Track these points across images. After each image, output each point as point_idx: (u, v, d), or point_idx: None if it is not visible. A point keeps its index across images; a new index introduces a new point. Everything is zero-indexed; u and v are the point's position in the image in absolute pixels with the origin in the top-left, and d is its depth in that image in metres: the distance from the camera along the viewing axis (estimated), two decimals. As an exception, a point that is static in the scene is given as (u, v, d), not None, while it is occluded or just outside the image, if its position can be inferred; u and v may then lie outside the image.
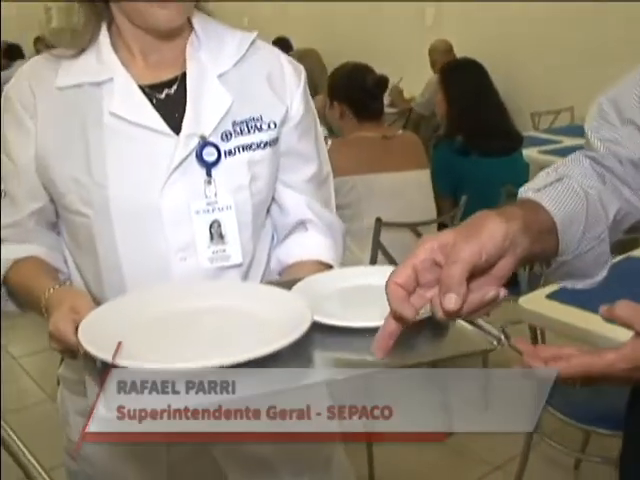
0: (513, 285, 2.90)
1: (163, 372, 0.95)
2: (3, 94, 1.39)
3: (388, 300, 0.87)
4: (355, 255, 3.11)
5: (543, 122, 6.12)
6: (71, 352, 1.14)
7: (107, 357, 0.96)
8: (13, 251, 1.39)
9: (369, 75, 3.26)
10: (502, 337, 1.05)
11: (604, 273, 1.14)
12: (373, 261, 2.99)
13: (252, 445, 1.45)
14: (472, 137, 3.56)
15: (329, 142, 3.08)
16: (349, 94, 3.21)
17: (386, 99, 6.96)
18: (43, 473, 1.38)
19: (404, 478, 3.21)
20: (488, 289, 0.89)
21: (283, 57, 1.44)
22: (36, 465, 1.40)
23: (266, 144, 1.36)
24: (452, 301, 0.84)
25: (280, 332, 1.01)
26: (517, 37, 6.61)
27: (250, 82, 1.37)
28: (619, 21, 5.59)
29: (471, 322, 1.09)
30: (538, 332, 2.58)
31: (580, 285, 1.16)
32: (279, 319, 1.07)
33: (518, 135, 3.74)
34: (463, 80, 3.70)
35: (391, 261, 3.02)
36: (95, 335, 1.03)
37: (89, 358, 1.00)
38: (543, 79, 6.35)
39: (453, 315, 0.86)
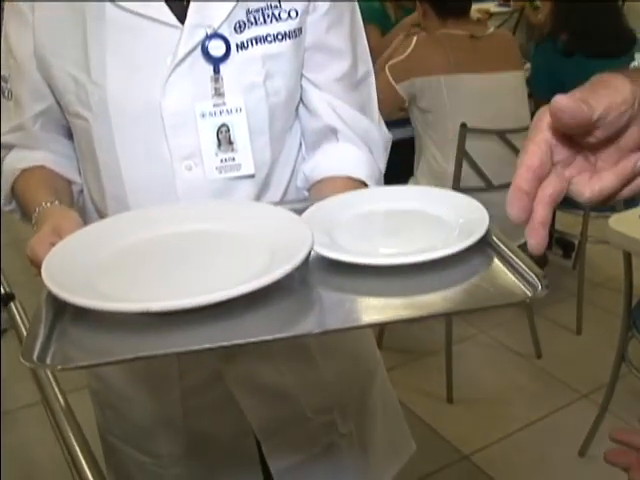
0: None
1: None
2: None
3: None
4: (439, 164, 2.90)
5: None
6: None
7: (65, 296, 0.82)
8: (22, 159, 1.27)
9: None
10: (540, 286, 0.87)
11: None
12: (457, 171, 2.78)
13: (270, 377, 1.33)
14: (578, 36, 3.25)
15: (414, 39, 2.85)
16: None
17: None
18: (60, 397, 1.33)
19: (484, 400, 3.06)
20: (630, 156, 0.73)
21: None
22: (56, 389, 1.35)
23: (285, 35, 1.16)
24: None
25: (269, 266, 0.85)
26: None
27: None
28: None
29: (509, 262, 0.91)
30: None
31: None
32: (273, 249, 0.90)
33: (631, 35, 3.41)
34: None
35: (478, 171, 2.81)
36: (61, 266, 0.89)
37: (47, 296, 0.88)
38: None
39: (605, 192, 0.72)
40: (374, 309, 0.87)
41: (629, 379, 2.71)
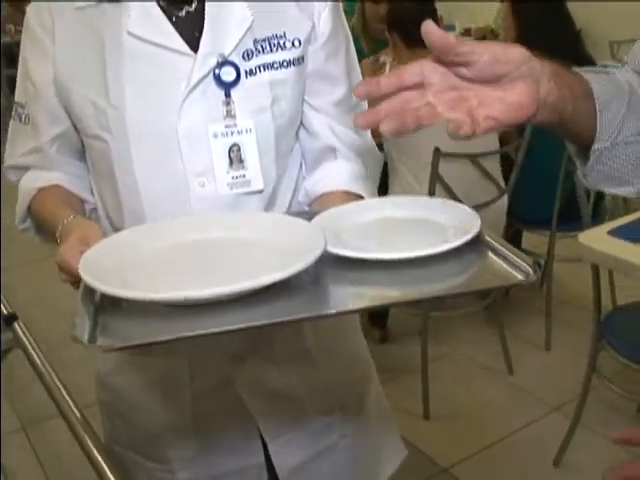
0: (575, 220, 2.78)
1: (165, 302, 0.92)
2: (25, 17, 1.33)
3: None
4: (413, 187, 3.02)
5: (623, 51, 5.85)
6: (78, 284, 1.09)
7: (102, 287, 0.92)
8: (37, 179, 1.36)
9: (410, 1, 3.23)
10: (531, 271, 0.97)
11: None
12: (431, 193, 2.89)
13: (277, 381, 1.42)
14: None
15: (387, 68, 2.98)
16: (393, 21, 3.25)
17: (459, 29, 6.87)
18: (76, 410, 1.39)
19: (460, 415, 3.16)
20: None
21: None
22: (70, 403, 1.41)
23: (290, 63, 1.27)
24: None
25: (288, 262, 0.94)
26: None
27: None
28: None
29: (502, 255, 1.03)
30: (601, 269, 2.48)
31: (619, 191, 1.07)
32: (290, 249, 1.00)
33: (590, 61, 3.53)
34: (534, 4, 3.51)
35: (451, 194, 2.92)
36: (96, 266, 0.98)
37: (87, 290, 0.97)
38: (624, 7, 6.03)
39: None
40: (386, 295, 1.00)
41: (600, 390, 2.83)
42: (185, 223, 1.14)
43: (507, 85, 0.86)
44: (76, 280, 1.08)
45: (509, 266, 1.00)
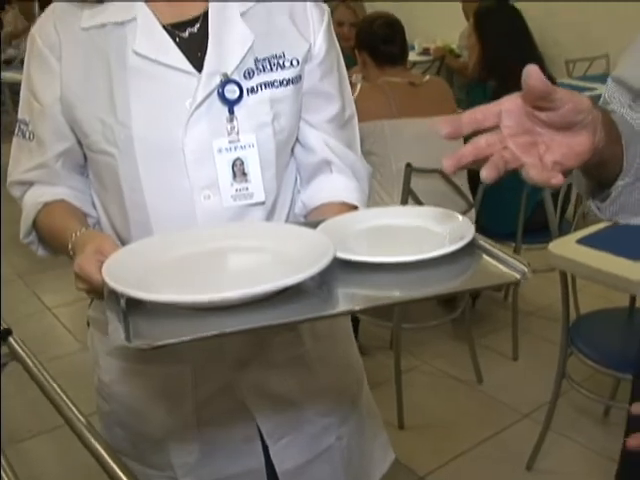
0: (544, 232, 2.88)
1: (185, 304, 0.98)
2: (29, 35, 1.39)
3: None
4: (385, 202, 3.10)
5: (578, 69, 6.03)
6: (96, 292, 1.14)
7: (130, 291, 0.98)
8: (42, 194, 1.40)
9: (379, 20, 3.32)
10: (526, 270, 1.05)
11: None
12: (403, 208, 2.97)
13: (277, 385, 1.47)
14: (505, 81, 3.46)
15: (358, 87, 3.07)
16: (363, 40, 3.31)
17: (418, 48, 7.00)
18: (82, 418, 1.42)
19: (433, 424, 3.24)
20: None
21: None
22: (75, 411, 1.44)
23: (289, 81, 1.35)
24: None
25: (302, 267, 1.01)
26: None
27: (272, 19, 1.35)
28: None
29: (497, 257, 1.11)
30: (569, 277, 2.57)
31: (633, 221, 1.15)
32: (301, 255, 1.07)
33: (552, 81, 3.64)
34: (498, 23, 3.64)
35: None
36: (118, 273, 1.04)
37: (112, 296, 1.02)
38: (578, 26, 6.21)
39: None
40: (392, 296, 1.08)
41: (568, 395, 2.93)
42: (200, 233, 1.21)
43: (577, 132, 0.90)
44: (93, 289, 1.14)
45: (505, 266, 1.08)
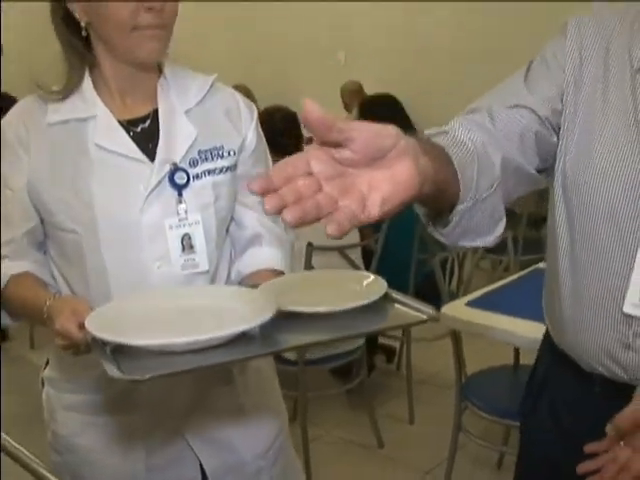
0: (435, 299, 3.19)
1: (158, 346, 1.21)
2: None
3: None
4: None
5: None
6: (75, 347, 1.35)
7: (122, 339, 1.20)
8: (11, 267, 1.58)
9: (278, 114, 3.70)
10: (432, 312, 1.31)
11: (500, 230, 1.23)
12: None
13: (218, 430, 1.68)
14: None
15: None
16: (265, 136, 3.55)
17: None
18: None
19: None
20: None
21: (238, 95, 1.69)
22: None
23: (227, 169, 1.61)
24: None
25: (247, 319, 1.25)
26: (432, 75, 6.96)
27: (212, 117, 1.61)
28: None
29: (407, 304, 1.37)
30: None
31: (478, 243, 1.22)
32: (243, 309, 1.31)
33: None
34: (381, 114, 4.00)
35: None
36: (100, 327, 1.25)
37: (98, 347, 1.23)
38: (454, 114, 6.63)
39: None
40: (319, 337, 1.36)
41: (467, 448, 3.19)
42: (164, 292, 1.45)
43: (393, 163, 0.85)
44: (71, 344, 1.35)
45: (414, 311, 1.35)
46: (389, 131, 0.85)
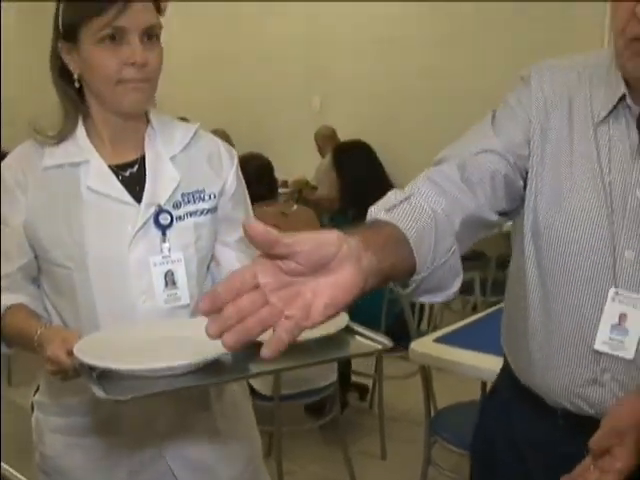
0: (404, 339, 3.30)
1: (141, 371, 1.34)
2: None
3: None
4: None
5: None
6: (63, 373, 1.48)
7: (105, 364, 1.34)
8: (7, 299, 1.70)
9: (252, 161, 3.81)
10: (386, 342, 1.45)
11: (458, 284, 1.25)
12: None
13: (198, 453, 1.80)
14: (364, 211, 3.93)
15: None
16: None
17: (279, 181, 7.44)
18: None
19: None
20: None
21: (219, 141, 1.84)
22: None
23: (208, 211, 1.75)
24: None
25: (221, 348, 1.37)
26: (406, 121, 7.13)
27: (195, 163, 1.76)
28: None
29: (364, 335, 1.51)
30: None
31: (438, 299, 1.24)
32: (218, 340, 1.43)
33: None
34: (354, 159, 4.15)
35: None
36: (88, 354, 1.38)
37: (86, 371, 1.36)
38: (427, 160, 6.76)
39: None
40: (284, 363, 1.46)
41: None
42: (148, 324, 1.61)
43: (336, 268, 0.89)
44: (60, 370, 1.47)
45: (370, 341, 1.49)
46: (331, 239, 0.89)
